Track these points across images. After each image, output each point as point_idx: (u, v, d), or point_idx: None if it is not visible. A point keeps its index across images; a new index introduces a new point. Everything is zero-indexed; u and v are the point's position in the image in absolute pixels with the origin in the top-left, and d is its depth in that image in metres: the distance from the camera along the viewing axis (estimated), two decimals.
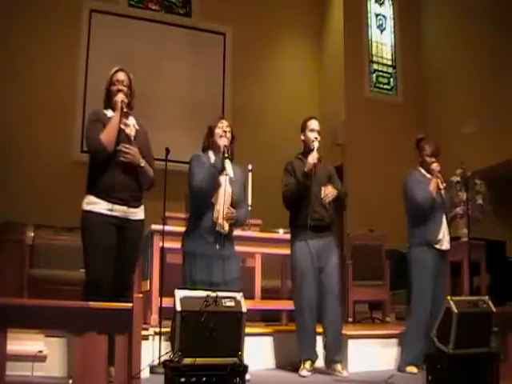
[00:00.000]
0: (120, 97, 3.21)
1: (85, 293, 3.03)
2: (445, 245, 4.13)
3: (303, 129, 4.09)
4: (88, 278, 3.09)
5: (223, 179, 3.48)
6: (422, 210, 4.07)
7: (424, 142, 4.26)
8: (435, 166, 4.13)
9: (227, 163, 3.55)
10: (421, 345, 3.95)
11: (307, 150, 4.03)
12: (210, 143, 3.64)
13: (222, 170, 3.48)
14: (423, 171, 4.22)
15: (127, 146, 3.16)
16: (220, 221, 3.43)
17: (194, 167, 3.53)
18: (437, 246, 4.09)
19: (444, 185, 4.16)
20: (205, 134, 3.70)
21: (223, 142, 3.52)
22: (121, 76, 3.30)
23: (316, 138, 4.00)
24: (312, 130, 4.05)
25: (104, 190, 3.13)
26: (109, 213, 3.12)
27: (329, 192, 3.87)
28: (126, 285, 3.25)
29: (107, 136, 3.11)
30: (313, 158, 3.88)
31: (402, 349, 4.19)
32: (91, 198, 3.14)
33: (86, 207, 3.14)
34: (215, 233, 3.44)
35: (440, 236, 4.10)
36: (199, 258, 3.42)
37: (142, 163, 3.21)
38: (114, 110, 3.23)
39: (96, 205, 3.12)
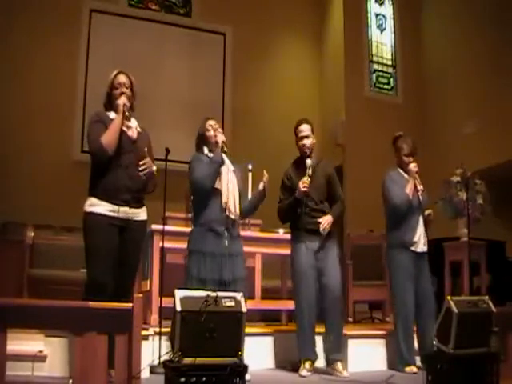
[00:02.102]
0: (122, 100, 3.20)
1: (86, 293, 3.03)
2: (420, 247, 4.09)
3: (296, 135, 4.07)
4: (90, 278, 3.09)
5: (225, 169, 3.54)
6: (398, 211, 4.05)
7: (401, 140, 4.21)
8: (413, 167, 4.08)
9: (225, 159, 3.60)
10: (411, 344, 4.00)
11: (302, 156, 4.02)
12: (204, 146, 3.64)
13: (222, 163, 3.53)
14: (401, 171, 4.19)
15: (141, 162, 3.16)
16: (230, 205, 3.46)
17: (194, 163, 3.56)
18: (412, 248, 4.06)
19: (421, 186, 4.11)
20: (196, 138, 3.71)
21: (221, 138, 3.54)
22: (122, 79, 3.29)
23: (304, 146, 3.96)
24: (301, 138, 4.00)
25: (106, 192, 3.13)
26: (111, 214, 3.12)
27: (325, 222, 3.85)
28: (127, 285, 3.25)
29: (108, 139, 3.11)
30: (303, 183, 3.83)
31: (395, 350, 4.18)
32: (93, 200, 3.14)
33: (88, 209, 3.14)
34: (225, 221, 3.46)
35: (415, 238, 4.07)
36: (208, 256, 3.42)
37: (155, 170, 3.24)
38: (116, 112, 3.22)
39: (98, 206, 3.12)
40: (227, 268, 3.42)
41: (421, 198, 4.11)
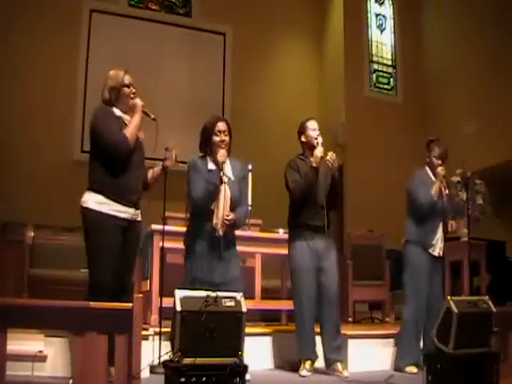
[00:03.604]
0: (140, 101, 3.26)
1: (89, 293, 3.02)
2: (437, 251, 4.14)
3: (303, 131, 4.06)
4: (94, 279, 3.08)
5: (222, 187, 3.44)
6: (421, 210, 4.08)
7: (434, 143, 4.28)
8: (440, 170, 4.14)
9: (226, 162, 3.53)
10: (417, 344, 3.98)
11: (308, 151, 4.03)
12: (208, 148, 3.53)
13: (221, 183, 3.43)
14: (429, 171, 4.24)
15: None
16: (219, 226, 3.41)
17: (192, 176, 3.48)
18: (429, 251, 4.11)
19: (447, 191, 4.17)
20: (200, 132, 3.60)
21: (221, 157, 3.42)
22: (130, 79, 3.29)
23: (319, 135, 4.00)
24: (314, 129, 4.03)
25: (116, 192, 3.12)
26: (119, 215, 3.12)
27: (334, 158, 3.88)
28: (128, 284, 3.27)
29: (131, 133, 3.15)
30: (320, 151, 3.88)
31: (397, 349, 4.19)
32: (99, 198, 3.10)
33: (94, 206, 3.10)
34: (215, 236, 3.42)
35: (434, 241, 4.11)
36: (200, 256, 3.41)
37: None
38: (129, 110, 3.24)
39: (106, 205, 3.10)
40: (218, 271, 3.39)
41: (445, 202, 4.15)
